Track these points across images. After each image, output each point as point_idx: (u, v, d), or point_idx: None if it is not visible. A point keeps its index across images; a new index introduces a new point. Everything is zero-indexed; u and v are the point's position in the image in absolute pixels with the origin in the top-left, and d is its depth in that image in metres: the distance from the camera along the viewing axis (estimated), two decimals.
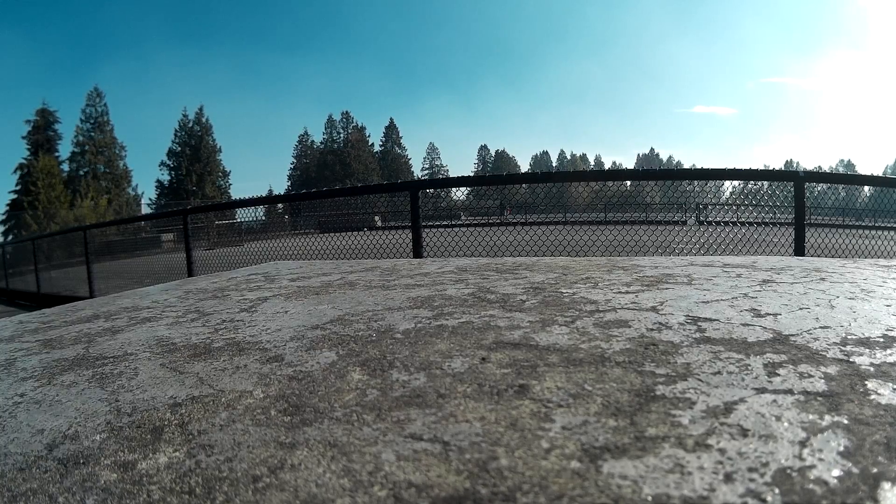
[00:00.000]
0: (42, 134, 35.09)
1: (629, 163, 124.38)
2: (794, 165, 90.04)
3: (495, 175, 7.48)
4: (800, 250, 3.55)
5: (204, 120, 51.53)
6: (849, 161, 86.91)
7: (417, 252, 4.25)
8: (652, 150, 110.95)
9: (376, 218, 11.98)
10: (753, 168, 3.72)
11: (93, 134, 36.02)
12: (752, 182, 4.31)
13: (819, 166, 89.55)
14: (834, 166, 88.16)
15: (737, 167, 3.73)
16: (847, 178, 4.55)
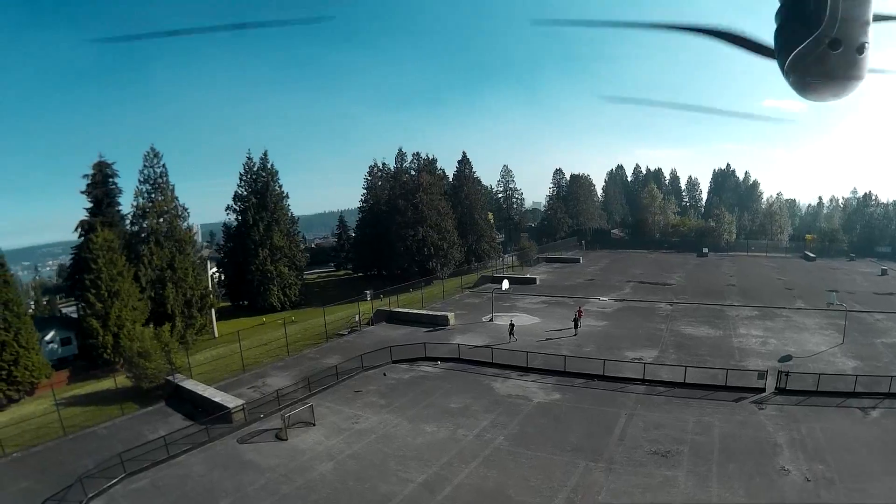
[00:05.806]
0: (101, 188, 33.92)
1: (705, 178, 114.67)
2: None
3: None
4: None
5: (269, 166, 49.75)
6: None
7: None
8: (728, 165, 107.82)
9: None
10: None
11: (153, 196, 34.27)
12: None
13: None
14: None
15: None
16: None
